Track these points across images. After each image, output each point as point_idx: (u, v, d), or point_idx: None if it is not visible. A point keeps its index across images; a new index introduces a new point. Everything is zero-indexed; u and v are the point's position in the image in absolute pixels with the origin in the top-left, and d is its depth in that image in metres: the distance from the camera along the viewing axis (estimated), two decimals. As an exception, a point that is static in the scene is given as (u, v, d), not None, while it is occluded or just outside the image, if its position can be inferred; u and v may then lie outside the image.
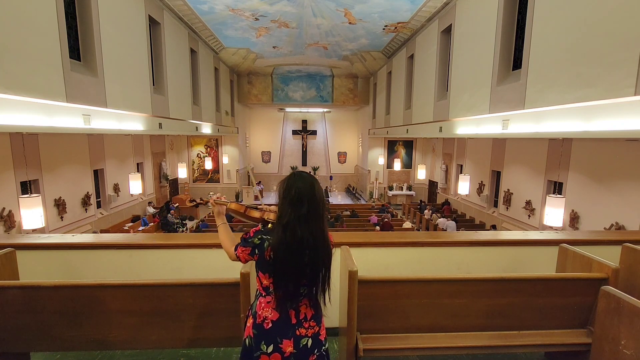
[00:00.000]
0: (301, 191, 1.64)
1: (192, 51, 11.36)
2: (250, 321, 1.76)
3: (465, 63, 7.89)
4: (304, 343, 1.71)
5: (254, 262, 1.78)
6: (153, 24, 8.57)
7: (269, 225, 1.76)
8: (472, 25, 7.53)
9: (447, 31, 8.95)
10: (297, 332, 1.70)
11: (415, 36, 11.23)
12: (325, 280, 1.74)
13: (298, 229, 1.61)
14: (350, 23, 10.64)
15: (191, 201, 2.43)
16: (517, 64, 6.29)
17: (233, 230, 2.04)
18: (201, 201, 2.40)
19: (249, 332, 1.74)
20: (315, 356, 1.73)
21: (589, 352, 2.31)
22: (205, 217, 13.58)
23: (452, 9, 8.46)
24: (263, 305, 1.72)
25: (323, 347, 1.79)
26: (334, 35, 11.95)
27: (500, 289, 2.43)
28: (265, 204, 2.01)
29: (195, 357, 2.87)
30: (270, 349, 1.68)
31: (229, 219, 2.36)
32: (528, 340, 2.48)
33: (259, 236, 1.71)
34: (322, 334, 1.79)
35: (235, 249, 1.79)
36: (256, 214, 1.93)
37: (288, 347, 1.68)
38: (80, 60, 6.01)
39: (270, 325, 1.69)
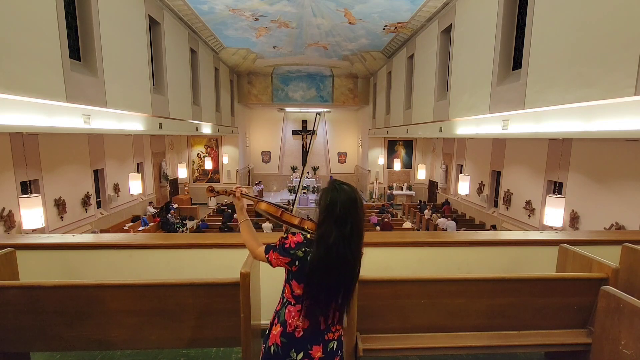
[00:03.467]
0: (346, 208, 1.57)
1: (192, 51, 11.36)
2: (277, 329, 1.73)
3: (465, 63, 7.89)
4: (331, 346, 1.73)
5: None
6: (153, 24, 8.57)
7: (308, 235, 1.70)
8: (472, 25, 7.53)
9: (447, 31, 8.95)
10: (326, 337, 1.72)
11: (415, 36, 11.23)
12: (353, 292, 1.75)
13: (342, 249, 1.57)
14: (350, 23, 10.64)
15: (211, 190, 2.11)
16: (517, 64, 6.29)
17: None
18: (225, 192, 2.09)
19: (276, 340, 1.71)
20: (338, 357, 1.76)
21: (589, 352, 2.31)
22: (205, 217, 13.58)
23: (452, 9, 8.46)
24: (293, 313, 1.70)
25: (342, 347, 1.82)
26: (334, 35, 11.95)
27: (500, 289, 2.43)
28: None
29: (195, 357, 2.87)
30: (300, 356, 1.68)
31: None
32: (528, 340, 2.48)
33: (303, 249, 1.65)
34: (342, 334, 1.82)
35: (267, 252, 1.74)
36: (294, 221, 1.80)
37: (317, 352, 1.69)
38: (80, 60, 6.01)
39: (301, 333, 1.69)
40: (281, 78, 18.78)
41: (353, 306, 2.27)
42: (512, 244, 3.31)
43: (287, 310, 1.72)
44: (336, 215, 1.57)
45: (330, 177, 22.95)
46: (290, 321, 1.70)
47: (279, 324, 1.74)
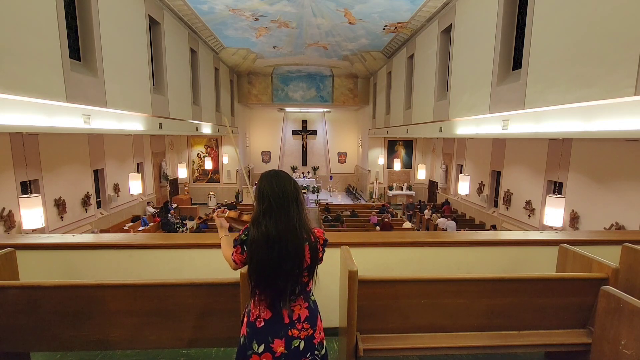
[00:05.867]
0: (262, 187, 1.72)
1: (192, 51, 11.36)
2: (245, 319, 1.77)
3: (465, 63, 7.89)
4: (296, 345, 1.69)
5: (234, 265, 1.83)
6: (153, 24, 8.57)
7: None
8: (472, 25, 7.53)
9: (447, 31, 8.95)
10: (290, 333, 1.69)
11: (415, 36, 11.23)
12: (307, 274, 1.73)
13: (263, 224, 1.66)
14: (350, 23, 10.64)
15: (199, 218, 2.64)
16: (517, 64, 6.29)
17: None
18: (206, 217, 2.55)
19: (243, 331, 1.75)
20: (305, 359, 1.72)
21: (589, 352, 2.31)
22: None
23: (452, 9, 8.46)
24: (257, 302, 1.73)
25: (317, 352, 1.74)
26: (334, 35, 11.95)
27: (500, 289, 2.43)
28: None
29: (195, 357, 2.86)
30: (262, 348, 1.67)
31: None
32: (528, 340, 2.48)
33: (247, 232, 1.75)
34: (317, 337, 1.75)
35: (232, 254, 1.81)
36: (248, 217, 1.97)
37: (279, 347, 1.67)
38: (80, 60, 6.01)
39: (262, 323, 1.69)
40: (281, 78, 18.78)
41: (353, 306, 2.27)
42: (512, 244, 3.31)
43: (252, 301, 1.76)
44: (256, 195, 1.75)
45: (330, 177, 22.96)
46: (253, 310, 1.73)
47: (246, 314, 1.78)
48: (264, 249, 1.65)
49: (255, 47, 13.56)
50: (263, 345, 1.67)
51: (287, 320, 1.70)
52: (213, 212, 2.27)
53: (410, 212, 15.79)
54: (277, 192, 1.69)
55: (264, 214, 1.67)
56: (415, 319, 2.46)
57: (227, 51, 13.87)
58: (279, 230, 1.65)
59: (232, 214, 2.06)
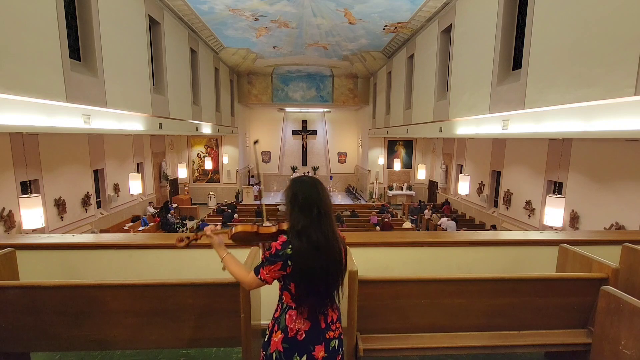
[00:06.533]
0: (307, 194, 1.66)
1: (192, 51, 11.36)
2: (278, 336, 1.71)
3: (465, 63, 7.89)
4: (333, 345, 1.73)
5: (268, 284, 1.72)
6: (153, 24, 8.57)
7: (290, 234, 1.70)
8: (472, 25, 7.53)
9: (447, 31, 8.95)
10: (327, 336, 1.72)
11: (415, 36, 11.22)
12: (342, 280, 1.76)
13: (313, 233, 1.62)
14: (350, 23, 10.63)
15: (180, 240, 1.98)
16: (517, 64, 6.29)
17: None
18: (195, 238, 1.98)
19: (277, 347, 1.70)
20: (340, 356, 1.76)
21: (589, 352, 2.31)
22: (205, 217, 13.58)
23: (452, 9, 8.46)
24: (294, 317, 1.70)
25: (343, 345, 1.82)
26: (334, 35, 11.95)
27: (500, 289, 2.43)
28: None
29: (195, 357, 2.87)
30: (304, 358, 1.68)
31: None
32: (528, 340, 2.48)
33: (290, 246, 1.64)
34: (342, 332, 1.83)
35: (257, 273, 1.68)
36: (272, 229, 1.79)
37: (320, 352, 1.69)
38: (80, 60, 6.01)
39: (304, 336, 1.69)
40: (281, 78, 18.78)
41: (353, 306, 2.27)
42: (512, 244, 3.31)
43: (287, 316, 1.72)
44: (300, 203, 1.65)
45: (330, 177, 22.96)
46: (291, 326, 1.70)
47: (279, 331, 1.72)
48: (314, 259, 1.62)
49: (255, 47, 13.56)
50: (305, 355, 1.68)
51: (323, 325, 1.72)
52: (197, 229, 2.01)
53: (415, 216, 14.50)
54: (324, 200, 1.66)
55: (312, 221, 1.63)
56: (415, 319, 2.46)
57: (227, 51, 13.87)
58: (328, 238, 1.64)
59: (242, 228, 1.82)
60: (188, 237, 1.98)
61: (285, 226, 1.77)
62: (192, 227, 12.95)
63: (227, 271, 1.82)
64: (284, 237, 1.68)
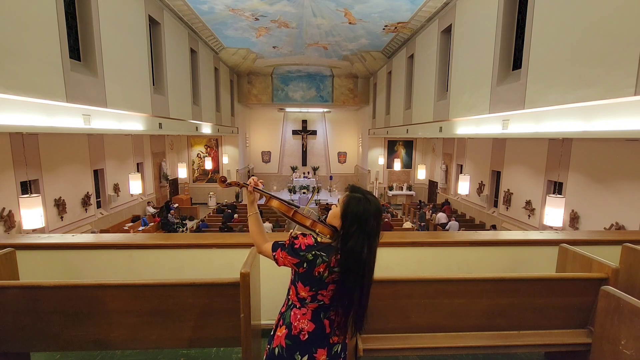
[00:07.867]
0: (377, 221, 1.62)
1: (192, 51, 11.36)
2: (282, 331, 1.73)
3: (465, 63, 7.89)
4: (336, 350, 1.73)
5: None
6: (153, 24, 8.57)
7: (319, 238, 1.69)
8: (472, 25, 7.53)
9: (447, 31, 8.95)
10: (331, 341, 1.72)
11: (415, 36, 11.22)
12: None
13: (371, 261, 1.62)
14: (350, 23, 10.63)
15: (223, 180, 1.98)
16: (517, 64, 6.29)
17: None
18: (237, 184, 2.04)
19: (280, 342, 1.71)
20: (341, 359, 1.77)
21: (589, 352, 2.31)
22: (205, 217, 13.58)
23: (452, 9, 8.46)
24: (299, 316, 1.70)
25: (346, 349, 1.82)
26: (334, 35, 11.95)
27: (500, 289, 2.43)
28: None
29: (195, 357, 2.87)
30: (305, 358, 1.68)
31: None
32: (528, 340, 2.48)
33: (313, 252, 1.63)
34: (346, 337, 1.82)
35: (274, 249, 1.72)
36: (306, 222, 1.75)
37: (322, 355, 1.69)
38: (80, 60, 6.01)
39: (306, 336, 1.69)
40: (281, 78, 18.77)
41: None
42: (512, 244, 3.31)
43: (292, 313, 1.72)
44: (369, 229, 1.59)
45: (330, 177, 22.96)
46: (295, 324, 1.70)
47: (284, 326, 1.73)
48: (359, 277, 1.61)
49: (255, 47, 13.56)
50: (307, 356, 1.68)
51: (328, 330, 1.72)
52: (197, 229, 2.02)
53: (423, 223, 13.10)
54: (380, 222, 1.63)
55: (371, 250, 1.61)
56: (415, 319, 2.46)
57: (227, 51, 13.87)
58: (373, 252, 1.64)
59: (278, 205, 1.82)
60: (230, 182, 2.00)
61: (321, 228, 1.72)
62: (192, 227, 12.95)
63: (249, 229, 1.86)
64: (311, 240, 1.66)
